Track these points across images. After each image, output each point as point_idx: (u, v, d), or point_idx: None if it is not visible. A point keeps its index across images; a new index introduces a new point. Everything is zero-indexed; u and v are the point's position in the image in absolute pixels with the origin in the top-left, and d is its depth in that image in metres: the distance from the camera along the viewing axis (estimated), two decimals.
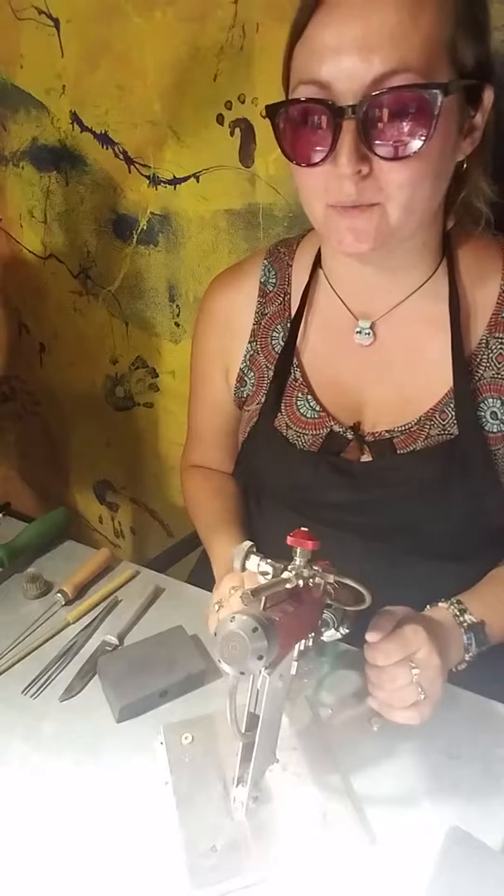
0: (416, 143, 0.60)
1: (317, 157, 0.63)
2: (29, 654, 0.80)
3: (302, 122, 0.63)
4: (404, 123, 0.60)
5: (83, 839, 0.60)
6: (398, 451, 0.77)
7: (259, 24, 1.06)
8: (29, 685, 0.76)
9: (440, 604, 0.71)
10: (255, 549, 0.65)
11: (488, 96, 0.66)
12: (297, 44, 0.64)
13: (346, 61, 0.59)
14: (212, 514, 0.91)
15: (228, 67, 1.12)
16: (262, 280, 0.86)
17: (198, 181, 1.24)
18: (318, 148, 0.63)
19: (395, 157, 0.61)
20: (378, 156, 0.61)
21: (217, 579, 0.79)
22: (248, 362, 0.87)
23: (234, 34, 1.09)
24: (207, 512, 0.92)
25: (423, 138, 0.60)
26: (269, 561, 0.63)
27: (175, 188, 1.27)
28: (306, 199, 0.69)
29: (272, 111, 0.65)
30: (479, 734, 0.69)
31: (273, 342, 0.85)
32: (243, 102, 1.12)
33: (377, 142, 0.60)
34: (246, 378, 0.87)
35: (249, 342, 0.86)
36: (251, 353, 0.86)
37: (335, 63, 0.60)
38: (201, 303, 0.93)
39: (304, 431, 0.81)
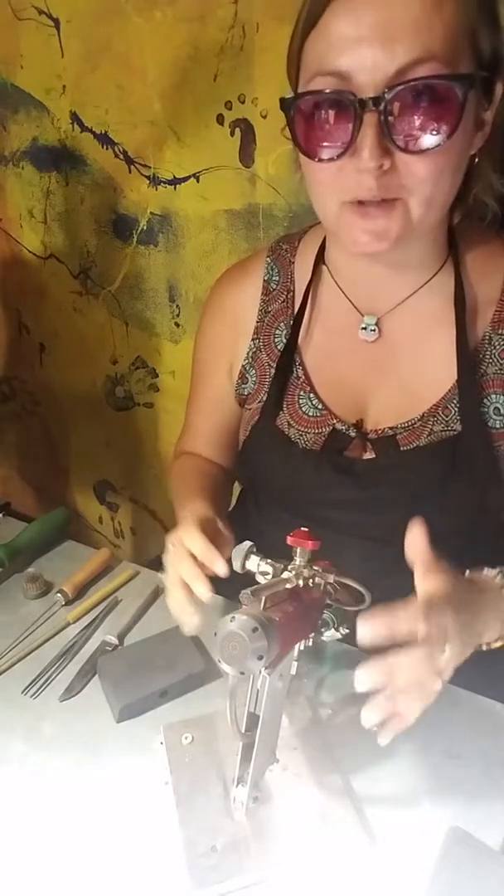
0: (440, 136, 0.59)
1: (335, 152, 0.61)
2: (29, 654, 0.80)
3: (319, 115, 0.61)
4: (429, 115, 0.58)
5: (83, 839, 0.60)
6: (401, 448, 0.77)
7: (259, 24, 1.06)
8: (29, 685, 0.76)
9: (486, 570, 0.65)
10: (255, 549, 0.65)
11: (499, 90, 0.65)
12: (308, 36, 0.62)
13: (366, 51, 0.57)
14: (187, 487, 0.89)
15: (228, 67, 1.12)
16: (266, 278, 0.86)
17: (198, 181, 1.24)
18: (336, 142, 0.61)
19: (419, 151, 0.59)
20: (401, 149, 0.59)
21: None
22: (250, 360, 0.87)
23: (234, 34, 1.09)
24: (184, 485, 0.90)
25: (448, 131, 0.59)
26: (269, 561, 0.63)
27: (175, 188, 1.27)
28: (319, 196, 0.67)
29: (287, 104, 0.63)
30: (479, 734, 0.69)
31: (276, 340, 0.85)
32: (243, 102, 1.12)
33: (401, 135, 0.59)
34: (248, 375, 0.87)
35: (252, 339, 0.86)
36: (254, 350, 0.86)
37: (355, 53, 0.58)
38: (208, 298, 0.93)
39: (306, 430, 0.81)
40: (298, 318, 0.83)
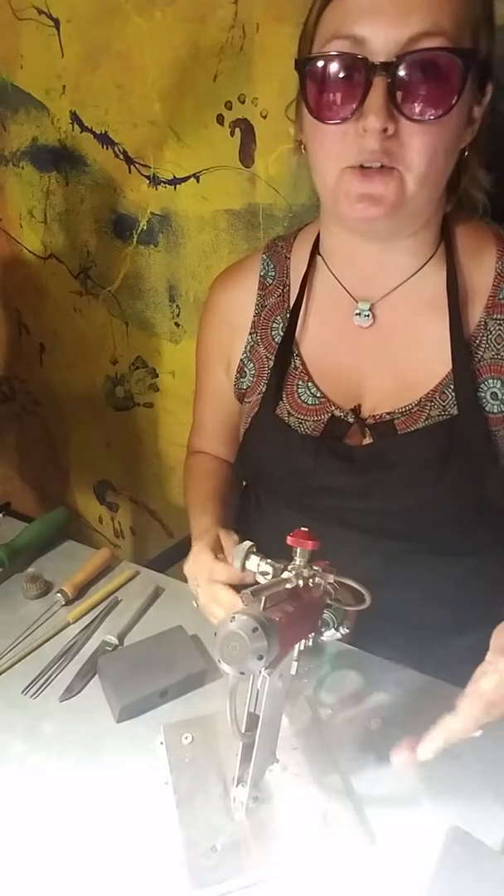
0: (441, 108, 0.63)
1: (344, 113, 0.64)
2: (29, 654, 0.80)
3: (332, 76, 0.65)
4: (432, 86, 0.62)
5: (83, 839, 0.60)
6: (398, 433, 0.78)
7: (259, 24, 1.06)
8: (29, 685, 0.76)
9: None
10: (255, 549, 0.65)
11: (489, 91, 0.69)
12: (327, 7, 0.66)
13: (382, 20, 0.62)
14: (197, 494, 0.92)
15: (228, 67, 1.12)
16: (262, 274, 0.87)
17: (198, 181, 1.24)
18: (345, 103, 0.64)
19: (421, 120, 0.63)
20: (405, 116, 0.63)
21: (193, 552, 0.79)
22: (248, 353, 0.88)
23: (234, 34, 1.09)
24: (195, 492, 0.94)
25: (449, 104, 0.63)
26: (269, 561, 0.63)
27: (175, 188, 1.27)
28: (321, 162, 0.70)
29: (302, 65, 0.67)
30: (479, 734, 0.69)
31: (273, 333, 0.86)
32: (243, 102, 1.12)
33: (405, 102, 0.62)
34: (246, 369, 0.88)
35: (250, 334, 0.87)
36: (251, 344, 0.87)
37: (371, 21, 0.62)
38: (206, 299, 0.94)
39: (305, 418, 0.82)
40: (295, 311, 0.84)
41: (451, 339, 0.76)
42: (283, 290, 0.86)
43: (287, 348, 0.84)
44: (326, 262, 0.82)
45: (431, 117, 0.63)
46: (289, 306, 0.85)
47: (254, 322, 0.87)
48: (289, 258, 0.86)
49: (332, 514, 0.79)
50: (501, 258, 0.77)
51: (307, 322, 0.84)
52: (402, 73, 0.61)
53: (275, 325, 0.86)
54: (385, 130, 0.63)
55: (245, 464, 0.91)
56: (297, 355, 0.84)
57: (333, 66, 0.64)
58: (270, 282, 0.87)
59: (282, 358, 0.84)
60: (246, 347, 0.88)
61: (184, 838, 0.58)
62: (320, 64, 0.65)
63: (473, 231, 0.79)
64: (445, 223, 0.78)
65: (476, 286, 0.77)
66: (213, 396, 0.96)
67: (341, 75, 0.64)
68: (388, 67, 0.61)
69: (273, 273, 0.87)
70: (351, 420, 0.80)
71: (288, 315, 0.84)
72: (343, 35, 0.63)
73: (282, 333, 0.84)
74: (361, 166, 0.66)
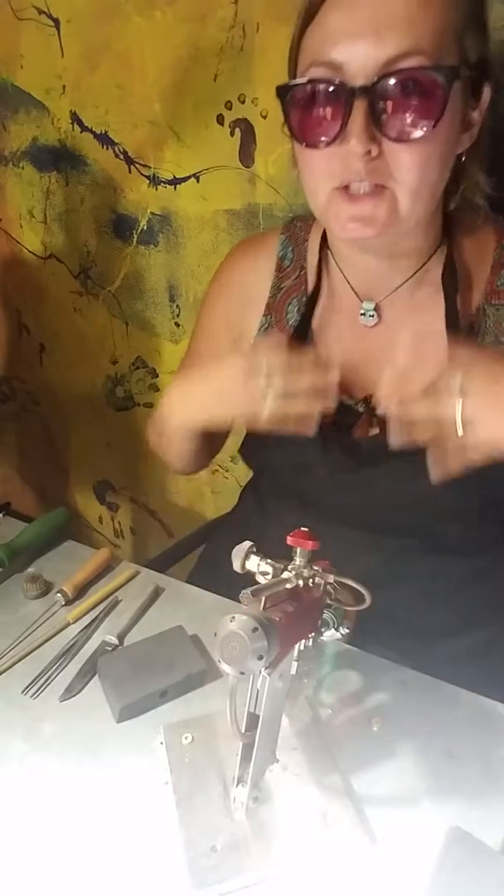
0: (424, 126, 0.61)
1: (326, 138, 0.64)
2: (29, 654, 0.80)
3: (312, 103, 0.64)
4: (414, 105, 0.61)
5: (83, 839, 0.60)
6: None
7: (259, 24, 1.06)
8: (29, 685, 0.76)
9: None
10: (255, 549, 0.65)
11: (487, 93, 0.68)
12: (307, 28, 0.65)
13: (359, 44, 0.61)
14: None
15: (228, 67, 1.12)
16: (280, 254, 0.86)
17: (198, 181, 1.24)
18: (328, 129, 0.63)
19: (405, 140, 0.62)
20: (388, 137, 0.62)
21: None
22: (263, 335, 0.87)
23: (234, 34, 1.09)
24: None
25: (432, 122, 0.61)
26: (269, 561, 0.63)
27: (175, 188, 1.27)
28: (311, 184, 0.69)
29: (283, 92, 0.66)
30: (479, 734, 0.69)
31: (288, 316, 0.85)
32: (243, 102, 1.12)
33: (387, 123, 0.62)
34: None
35: (265, 315, 0.87)
36: (266, 325, 0.87)
37: (348, 45, 0.61)
38: (218, 269, 0.93)
39: None
40: (312, 298, 0.83)
41: (447, 332, 0.75)
42: (299, 274, 0.85)
43: (302, 335, 0.83)
44: (334, 258, 0.82)
45: (415, 136, 0.62)
46: (306, 290, 0.84)
47: (269, 303, 0.86)
48: (306, 241, 0.86)
49: (335, 509, 0.79)
50: (500, 247, 0.76)
51: (320, 311, 0.84)
52: (381, 94, 0.61)
53: (290, 307, 0.85)
54: (369, 153, 0.62)
55: (251, 453, 0.91)
56: (310, 343, 0.83)
57: (312, 94, 0.64)
58: (288, 264, 0.86)
59: (296, 344, 0.82)
60: (260, 328, 0.87)
61: (184, 838, 0.58)
62: (299, 92, 0.64)
63: (474, 230, 0.78)
64: (446, 219, 0.77)
65: (475, 274, 0.77)
66: (207, 362, 0.93)
67: (321, 101, 0.63)
68: (367, 90, 0.60)
69: (291, 255, 0.86)
70: (361, 409, 0.80)
71: (304, 299, 0.84)
72: (321, 62, 0.63)
73: (298, 317, 0.84)
74: (349, 187, 0.65)
